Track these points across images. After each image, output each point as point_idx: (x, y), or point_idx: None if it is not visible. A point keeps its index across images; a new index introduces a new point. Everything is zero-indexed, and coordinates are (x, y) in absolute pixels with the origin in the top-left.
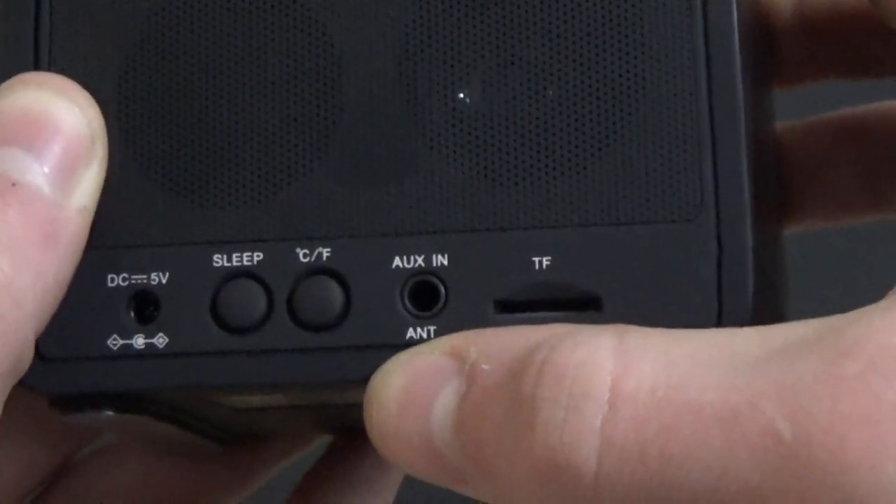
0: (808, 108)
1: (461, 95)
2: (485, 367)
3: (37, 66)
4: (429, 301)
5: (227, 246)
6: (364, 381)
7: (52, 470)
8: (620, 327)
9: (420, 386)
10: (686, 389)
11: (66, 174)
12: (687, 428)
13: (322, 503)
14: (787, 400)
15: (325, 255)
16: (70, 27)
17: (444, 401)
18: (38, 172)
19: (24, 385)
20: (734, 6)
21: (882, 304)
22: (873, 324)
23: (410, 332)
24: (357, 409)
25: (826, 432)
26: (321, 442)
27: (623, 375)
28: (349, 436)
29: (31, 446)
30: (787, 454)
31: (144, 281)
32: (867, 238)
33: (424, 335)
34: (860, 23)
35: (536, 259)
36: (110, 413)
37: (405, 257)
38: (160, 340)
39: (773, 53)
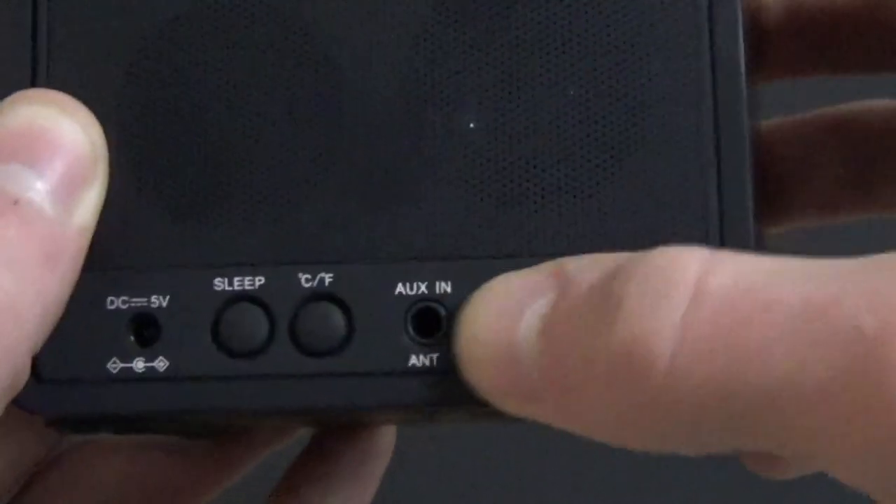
0: (793, 104)
1: (465, 120)
2: (580, 275)
3: (34, 84)
4: (432, 328)
5: (229, 269)
6: (365, 408)
7: (37, 461)
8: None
9: (516, 296)
10: (769, 288)
11: (68, 193)
12: (766, 322)
13: (305, 496)
14: (872, 298)
15: (327, 280)
16: (68, 45)
17: (536, 308)
18: (40, 190)
19: (23, 406)
20: (740, 25)
21: None
22: None
23: (413, 360)
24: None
25: None
26: (304, 433)
27: (708, 274)
28: (332, 429)
29: (15, 437)
30: (864, 352)
31: (145, 304)
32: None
33: (427, 362)
34: (850, 18)
35: None
36: (108, 434)
37: (408, 284)
38: (161, 364)
39: (761, 49)
